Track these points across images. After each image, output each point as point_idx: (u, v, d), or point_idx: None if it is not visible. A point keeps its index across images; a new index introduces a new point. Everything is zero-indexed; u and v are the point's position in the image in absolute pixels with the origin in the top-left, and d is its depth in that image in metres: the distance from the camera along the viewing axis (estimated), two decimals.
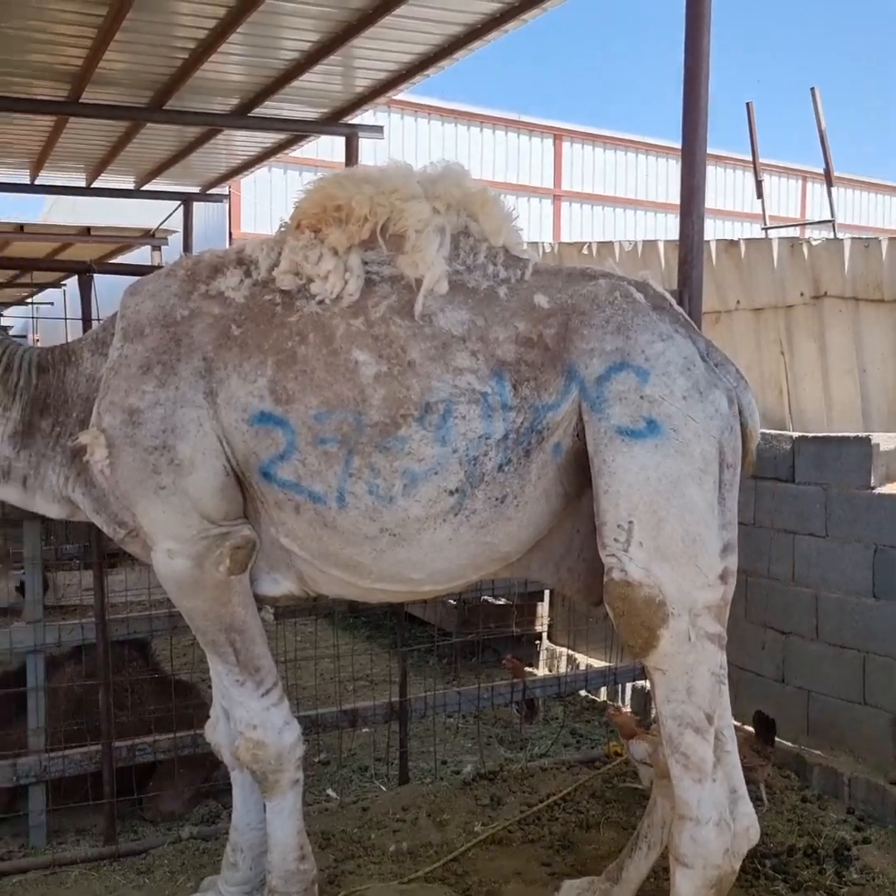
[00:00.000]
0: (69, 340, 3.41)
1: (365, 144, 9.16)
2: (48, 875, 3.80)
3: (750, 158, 8.29)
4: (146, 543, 3.15)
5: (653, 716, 5.18)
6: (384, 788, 4.66)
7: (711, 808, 2.92)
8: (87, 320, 3.94)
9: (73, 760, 4.02)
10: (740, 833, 3.00)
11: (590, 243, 7.51)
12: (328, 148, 12.76)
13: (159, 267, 3.64)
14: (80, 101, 7.96)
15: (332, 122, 8.78)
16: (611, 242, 7.33)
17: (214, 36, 6.67)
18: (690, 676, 2.88)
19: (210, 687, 3.51)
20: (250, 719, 3.21)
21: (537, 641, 6.66)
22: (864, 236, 5.72)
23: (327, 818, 4.24)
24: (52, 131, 9.12)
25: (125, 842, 4.07)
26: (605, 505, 2.85)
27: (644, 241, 6.96)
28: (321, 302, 3.01)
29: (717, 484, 2.90)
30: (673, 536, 2.82)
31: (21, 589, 7.46)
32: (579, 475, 2.98)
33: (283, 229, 3.23)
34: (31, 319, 16.01)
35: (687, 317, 3.20)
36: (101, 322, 3.42)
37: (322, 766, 4.93)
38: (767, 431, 5.16)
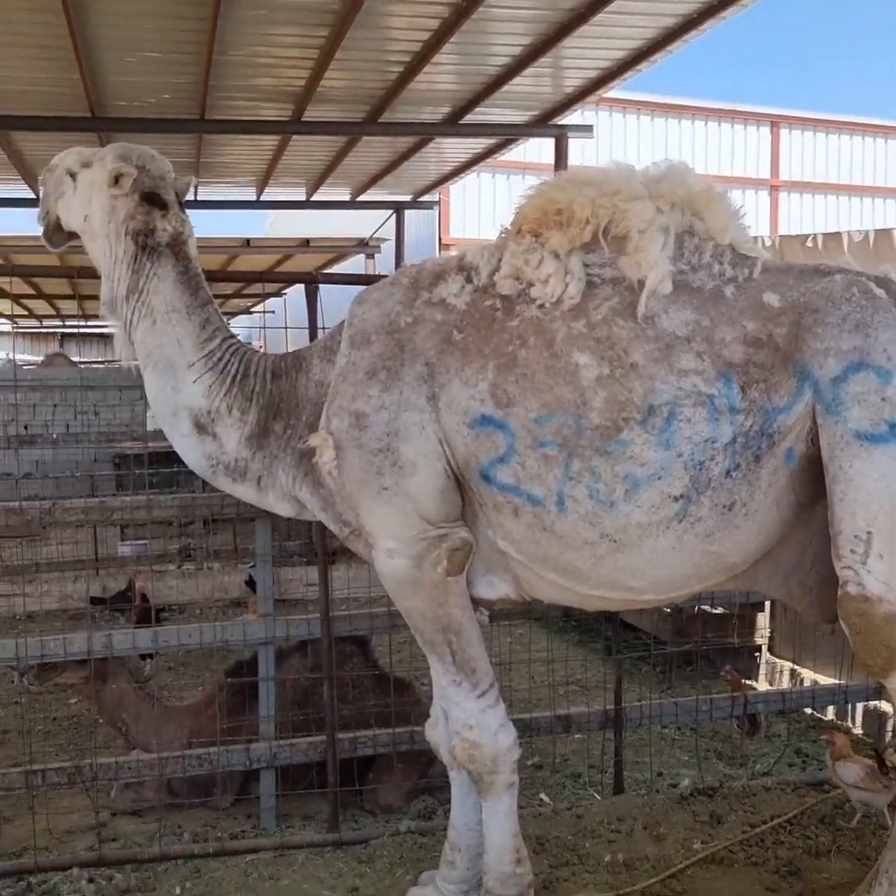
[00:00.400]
0: (292, 347, 3.56)
1: (573, 144, 9.14)
2: (277, 856, 3.99)
3: None
4: (368, 542, 3.24)
5: (888, 740, 4.84)
6: (598, 797, 4.59)
7: None
8: (312, 328, 4.12)
9: (299, 749, 4.21)
10: None
11: (814, 235, 7.09)
12: (536, 150, 12.79)
13: (382, 276, 3.74)
14: (303, 119, 8.38)
15: (542, 123, 8.83)
16: (838, 233, 6.88)
17: (428, 47, 6.85)
18: None
19: (424, 685, 3.57)
20: (467, 719, 3.24)
21: (757, 654, 6.37)
22: None
23: (541, 823, 4.21)
24: (277, 149, 9.67)
25: (347, 830, 4.22)
26: (841, 514, 2.69)
27: (876, 230, 6.49)
28: (542, 306, 2.99)
29: None
30: None
31: (249, 583, 7.98)
32: (813, 483, 2.83)
33: (503, 235, 3.23)
34: (260, 328, 17.01)
35: None
36: (328, 330, 3.55)
37: (535, 770, 4.92)
38: None
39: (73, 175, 3.35)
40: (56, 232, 3.51)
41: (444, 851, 3.58)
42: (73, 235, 3.53)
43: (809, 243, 6.78)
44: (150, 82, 7.63)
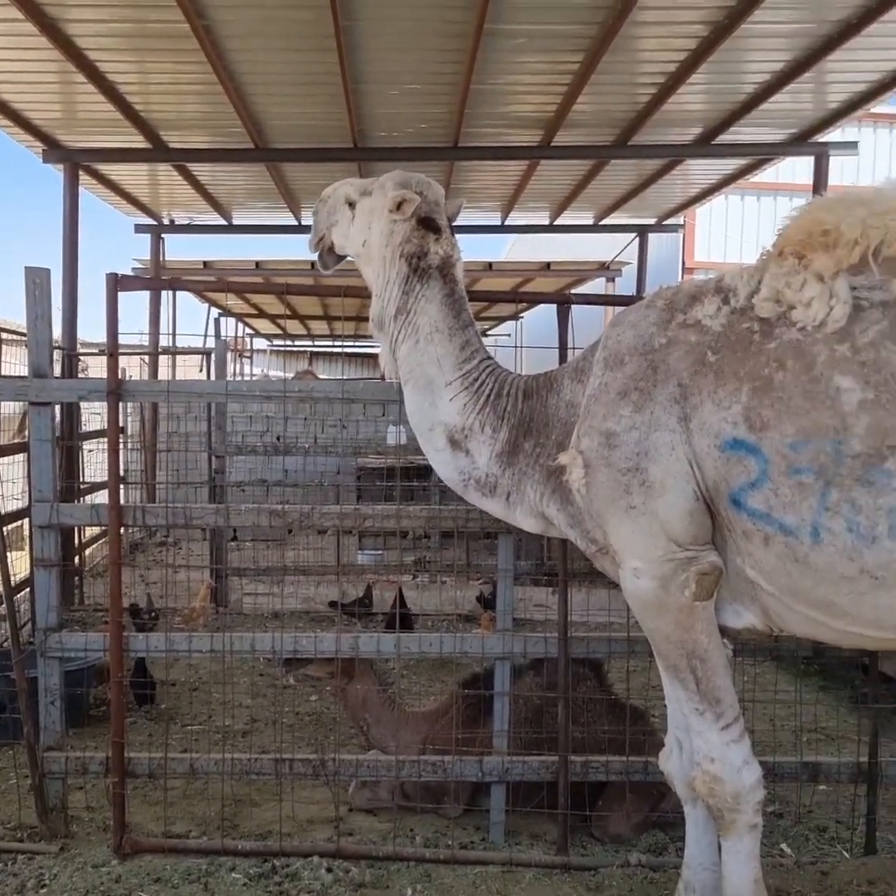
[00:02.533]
0: (528, 369, 3.61)
1: (833, 163, 8.70)
2: (505, 871, 4.00)
3: None
4: (615, 560, 3.22)
5: None
6: (847, 855, 4.27)
7: None
8: (563, 348, 4.14)
9: (531, 767, 4.22)
10: None
11: None
12: (790, 170, 12.25)
13: (633, 297, 3.72)
14: (552, 144, 8.49)
15: (800, 142, 8.47)
16: None
17: (683, 68, 6.76)
18: None
19: (655, 716, 3.47)
20: (708, 751, 3.14)
21: None
22: None
23: (782, 875, 3.98)
24: (524, 174, 9.85)
25: (576, 855, 4.17)
26: None
27: None
28: (802, 329, 2.88)
29: None
30: None
31: (480, 599, 8.11)
32: None
33: (763, 257, 3.14)
34: (502, 346, 17.37)
35: None
36: (581, 351, 3.57)
37: (775, 818, 4.65)
38: None
39: (351, 204, 3.60)
40: (328, 255, 3.80)
41: (677, 890, 3.47)
42: (342, 258, 3.78)
43: None
44: (408, 113, 8.00)
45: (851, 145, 8.55)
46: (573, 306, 4.24)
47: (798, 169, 11.53)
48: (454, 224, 3.67)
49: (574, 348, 4.04)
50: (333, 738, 5.16)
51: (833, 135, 8.47)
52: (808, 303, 2.90)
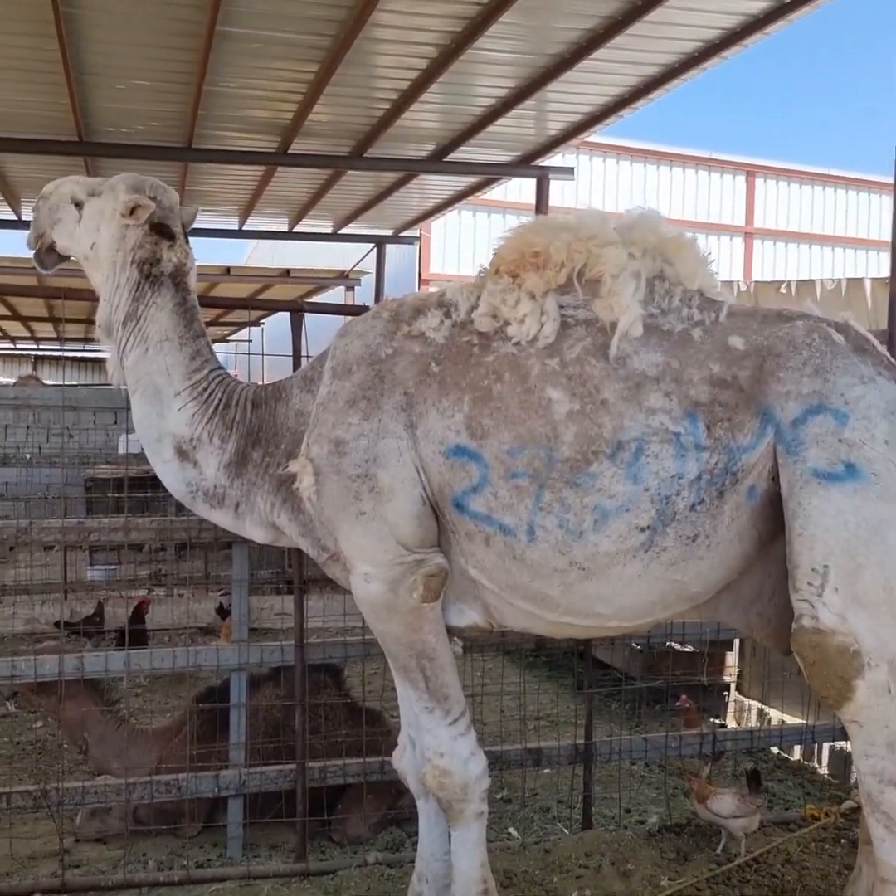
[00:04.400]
0: (270, 377, 3.62)
1: (554, 185, 9.29)
2: (243, 886, 3.95)
3: None
4: (346, 567, 3.28)
5: (854, 780, 4.88)
6: (567, 832, 4.59)
7: None
8: (296, 356, 4.15)
9: (269, 777, 4.19)
10: None
11: (788, 282, 7.27)
12: (517, 190, 12.98)
13: (365, 307, 3.81)
14: (289, 151, 8.47)
15: (524, 164, 8.96)
16: (811, 281, 7.06)
17: (415, 86, 6.96)
18: (890, 730, 2.78)
19: (394, 717, 3.59)
20: (438, 747, 3.27)
21: (725, 692, 6.41)
22: None
23: (509, 857, 4.21)
24: (261, 180, 9.75)
25: (314, 861, 4.19)
26: (799, 548, 2.79)
27: (848, 279, 6.66)
28: (517, 343, 3.10)
29: None
30: (872, 584, 2.74)
31: (220, 611, 7.93)
32: (773, 518, 2.93)
33: (482, 274, 3.35)
34: (241, 353, 17.01)
35: (891, 359, 3.08)
36: (310, 360, 3.60)
37: (504, 803, 4.91)
38: None
39: (78, 204, 3.41)
40: (48, 254, 3.57)
41: (411, 883, 3.58)
42: (64, 258, 3.58)
43: (783, 290, 6.96)
44: (138, 109, 7.68)
45: (568, 170, 9.19)
46: (311, 315, 4.28)
47: (524, 189, 12.22)
48: (188, 230, 3.59)
49: (307, 356, 4.08)
50: (59, 767, 4.85)
51: (553, 159, 9.04)
52: (521, 319, 3.11)
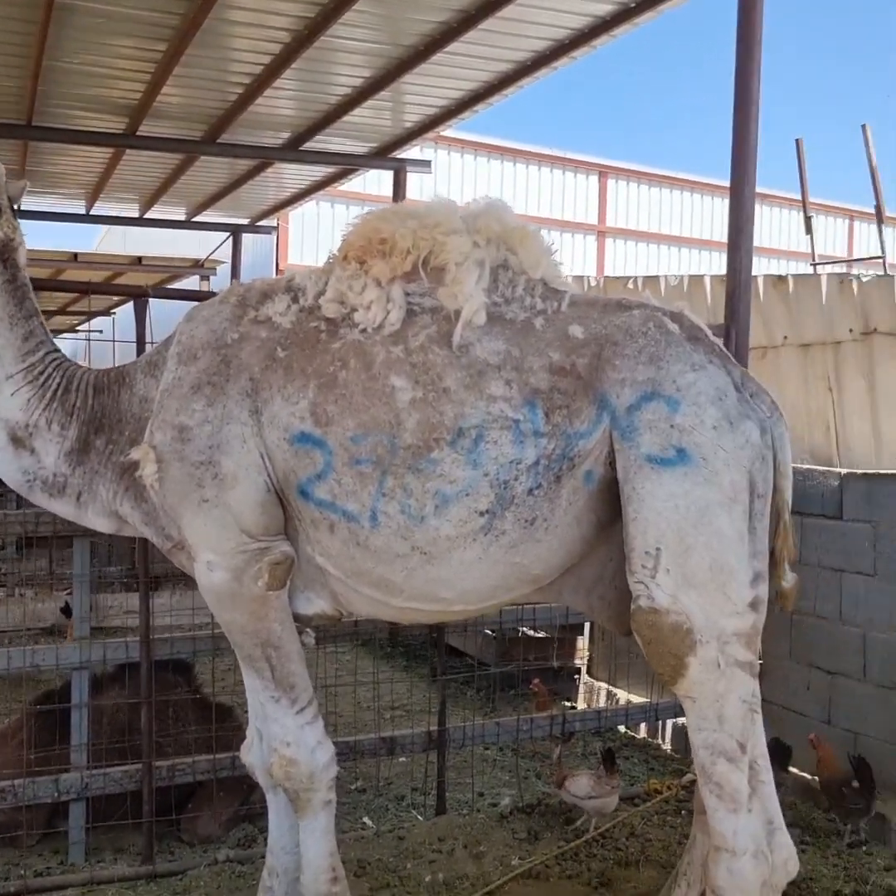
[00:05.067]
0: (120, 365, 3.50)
1: (412, 179, 9.31)
2: (85, 892, 3.82)
3: (797, 197, 8.27)
4: (190, 555, 3.22)
5: None
6: (421, 818, 4.63)
7: (747, 839, 2.91)
8: (141, 343, 4.03)
9: (113, 778, 4.05)
10: (779, 865, 2.99)
11: (635, 278, 7.52)
12: (375, 182, 12.93)
13: (212, 293, 3.73)
14: (137, 133, 8.17)
15: (381, 156, 8.93)
16: (656, 277, 7.33)
17: (269, 71, 6.83)
18: (721, 704, 2.89)
19: (247, 711, 3.54)
20: (284, 736, 3.24)
21: (576, 676, 6.60)
22: None
23: (363, 846, 4.21)
24: (109, 163, 9.37)
25: (162, 862, 4.07)
26: (634, 532, 2.88)
27: (690, 275, 6.95)
28: (363, 330, 3.10)
29: (748, 513, 2.92)
30: (701, 564, 2.85)
31: (65, 610, 7.60)
32: (611, 503, 3.02)
33: (330, 260, 3.33)
34: (86, 340, 16.33)
35: (722, 347, 3.22)
36: (154, 346, 3.50)
37: (359, 793, 4.91)
38: (815, 468, 5.11)
39: None
40: None
41: (261, 878, 3.53)
42: None
43: (631, 285, 7.19)
44: None
45: (426, 163, 9.22)
46: (163, 303, 4.16)
47: (382, 181, 12.20)
48: (25, 209, 3.41)
49: (153, 343, 3.95)
50: None
51: (411, 152, 9.06)
52: (367, 306, 3.11)
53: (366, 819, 4.61)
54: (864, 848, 4.36)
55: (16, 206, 3.35)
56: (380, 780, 4.95)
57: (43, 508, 3.46)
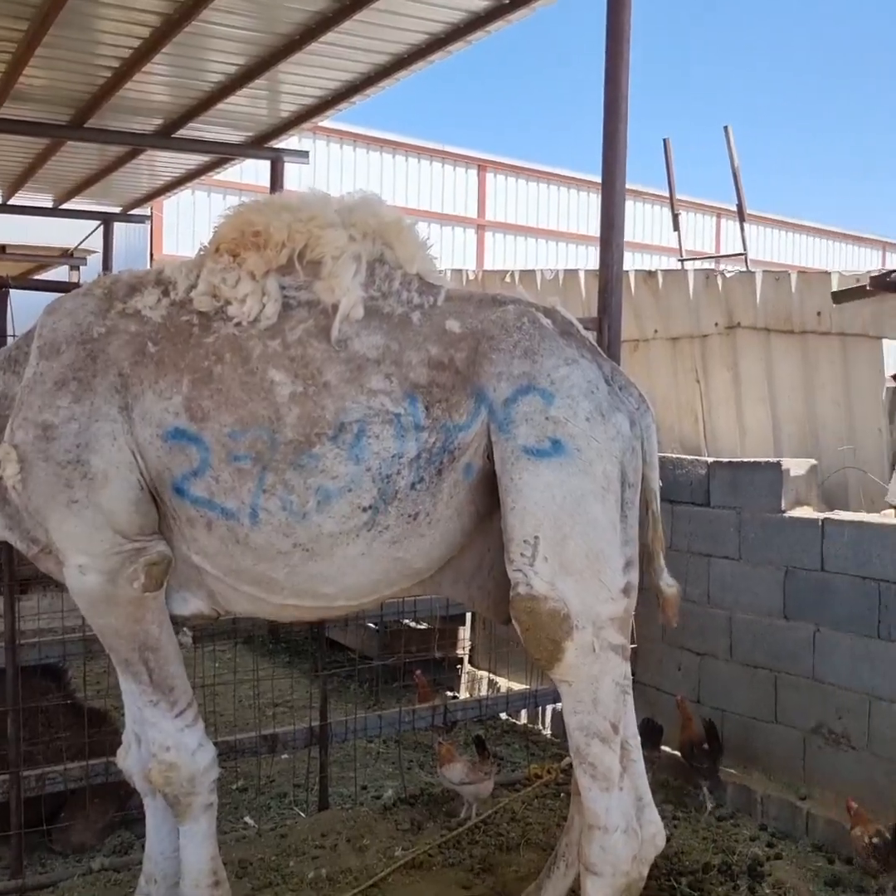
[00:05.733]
0: None
1: (290, 169, 9.18)
2: None
3: (667, 193, 8.54)
4: (59, 560, 3.10)
5: None
6: (303, 815, 4.60)
7: (619, 817, 3.01)
8: (2, 336, 3.86)
9: None
10: (648, 840, 3.12)
11: (512, 272, 7.64)
12: (252, 172, 12.73)
13: (78, 284, 3.60)
14: None
15: (257, 146, 8.78)
16: (533, 271, 7.46)
17: (138, 55, 6.62)
18: (595, 687, 2.98)
19: (123, 715, 3.45)
20: (163, 741, 3.18)
21: (459, 665, 6.67)
22: (775, 271, 5.92)
23: (245, 846, 4.16)
24: None
25: (32, 875, 3.93)
26: (512, 521, 2.94)
27: (565, 270, 7.10)
28: (238, 324, 3.06)
29: (620, 502, 3.03)
30: (577, 552, 2.93)
31: None
32: (489, 495, 3.07)
33: (202, 252, 3.26)
34: None
35: (593, 342, 3.32)
36: (14, 340, 3.36)
37: (240, 793, 4.85)
38: (684, 457, 5.30)
39: None
40: None
41: (139, 885, 3.47)
42: None
43: (507, 279, 7.30)
44: None
45: (303, 154, 9.09)
46: (26, 294, 4.00)
47: (260, 172, 12.00)
48: None
49: (15, 336, 3.79)
50: None
51: (288, 142, 8.94)
52: (242, 299, 3.07)
53: (247, 819, 4.55)
54: (731, 821, 4.57)
55: None
56: (261, 779, 4.89)
57: None
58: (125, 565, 3.02)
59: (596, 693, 2.98)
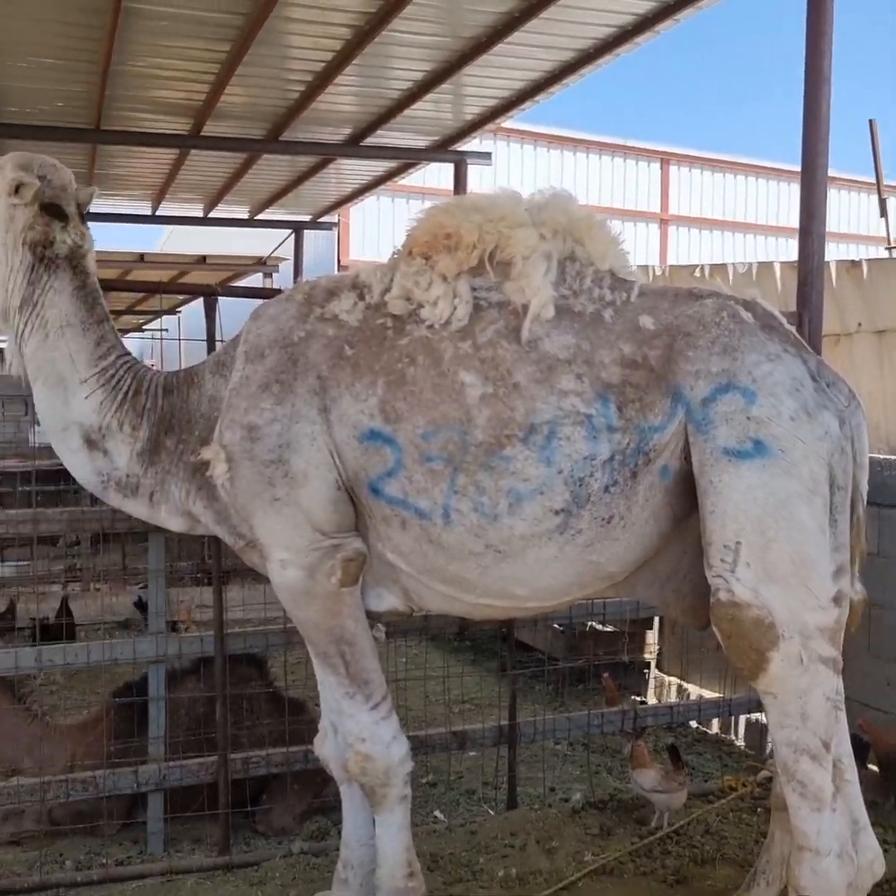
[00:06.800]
0: (184, 366, 3.54)
1: (472, 171, 9.26)
2: (164, 882, 3.89)
3: (870, 179, 8.05)
4: (263, 554, 3.24)
5: (769, 750, 5.02)
6: (492, 812, 4.62)
7: (832, 839, 2.85)
8: (211, 341, 4.08)
9: (190, 770, 4.12)
10: (864, 866, 2.93)
11: (701, 266, 7.40)
12: (435, 175, 12.94)
13: (279, 290, 3.75)
14: (202, 134, 8.28)
15: (441, 149, 8.91)
16: (724, 265, 7.21)
17: (330, 68, 6.86)
18: (804, 701, 2.84)
19: (318, 705, 3.56)
20: (359, 732, 3.26)
21: (646, 670, 6.53)
22: None
23: (435, 840, 4.22)
24: (174, 164, 9.51)
25: (238, 853, 4.14)
26: (712, 525, 2.83)
27: (759, 262, 6.81)
28: (431, 326, 3.09)
29: (828, 506, 2.87)
30: (782, 557, 2.80)
31: (139, 604, 7.76)
32: (687, 496, 2.97)
33: (395, 256, 3.32)
34: (158, 340, 16.63)
35: (797, 336, 3.15)
36: (222, 345, 3.54)
37: (430, 787, 4.92)
38: (891, 457, 4.97)
39: None
40: None
41: (336, 870, 3.56)
42: None
43: (697, 273, 7.08)
44: (43, 89, 7.41)
45: (486, 155, 9.17)
46: (229, 302, 4.22)
47: (442, 175, 12.20)
48: (93, 211, 3.47)
49: (222, 341, 4.00)
50: None
51: (471, 144, 9.03)
52: (434, 301, 3.10)
53: (437, 813, 4.62)
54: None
55: (84, 212, 3.40)
56: (450, 775, 4.95)
57: None
58: (323, 561, 3.11)
59: (804, 707, 2.83)
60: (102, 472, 3.33)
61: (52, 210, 3.25)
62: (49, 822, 4.26)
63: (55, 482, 7.80)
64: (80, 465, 3.34)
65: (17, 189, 3.18)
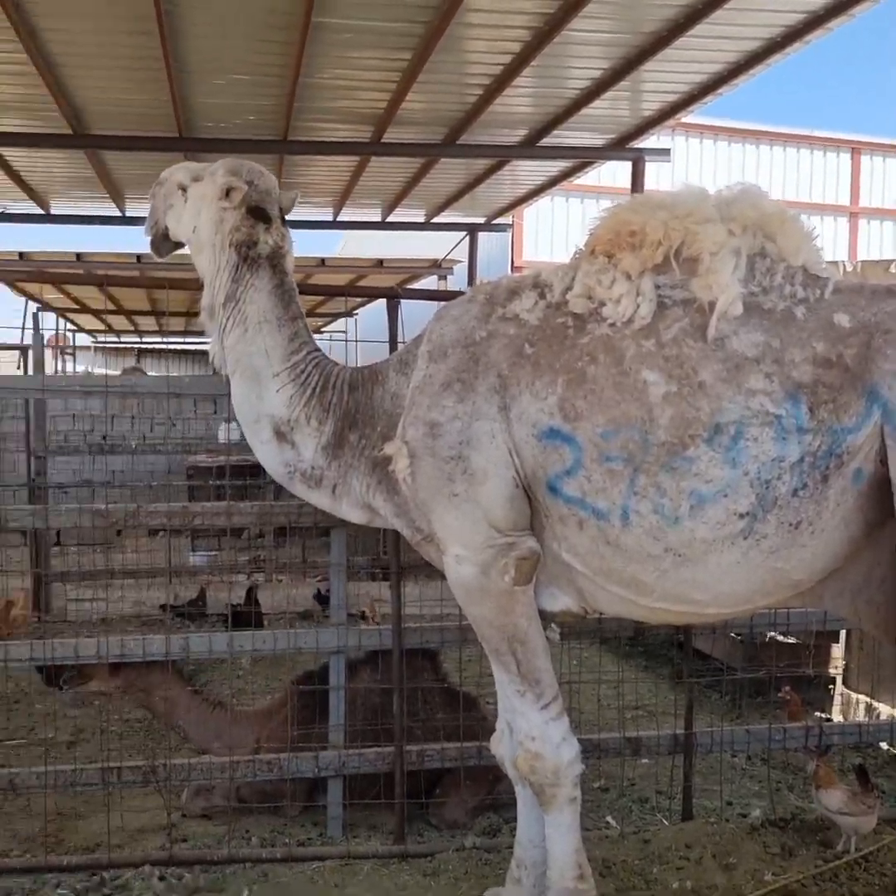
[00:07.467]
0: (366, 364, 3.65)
1: (649, 168, 9.10)
2: (343, 865, 4.02)
3: None
4: (439, 548, 3.29)
5: None
6: (666, 822, 4.52)
7: None
8: (393, 342, 4.19)
9: (367, 759, 4.24)
10: None
11: None
12: (610, 174, 12.77)
13: (458, 292, 3.81)
14: (382, 140, 8.51)
15: (619, 147, 8.80)
16: None
17: (508, 71, 6.90)
18: None
19: (490, 703, 3.58)
20: (529, 731, 3.26)
21: (831, 685, 6.22)
22: None
23: (608, 846, 4.17)
24: (355, 170, 9.82)
25: (413, 843, 4.22)
26: None
27: None
28: (612, 324, 3.05)
29: None
30: None
31: (317, 597, 8.06)
32: (882, 502, 2.83)
33: (577, 255, 3.30)
34: (335, 342, 17.24)
35: None
36: (405, 344, 3.62)
37: (601, 792, 4.87)
38: None
39: (183, 188, 3.53)
40: (163, 241, 3.70)
41: (510, 868, 3.58)
42: (178, 245, 3.70)
43: (893, 268, 6.68)
44: (236, 104, 7.82)
45: (664, 152, 9.00)
46: (405, 303, 4.31)
47: (618, 173, 12.03)
48: (288, 214, 3.64)
49: (403, 342, 4.09)
50: (165, 744, 5.01)
51: (648, 141, 8.87)
52: (617, 299, 3.07)
53: (609, 819, 4.56)
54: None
55: (285, 215, 3.58)
56: (623, 781, 4.88)
57: (303, 500, 3.67)
58: (497, 558, 3.13)
59: None
60: (289, 464, 3.48)
61: (257, 213, 3.44)
62: (237, 799, 4.48)
63: (242, 477, 8.22)
64: (270, 456, 3.50)
65: (228, 193, 3.39)
